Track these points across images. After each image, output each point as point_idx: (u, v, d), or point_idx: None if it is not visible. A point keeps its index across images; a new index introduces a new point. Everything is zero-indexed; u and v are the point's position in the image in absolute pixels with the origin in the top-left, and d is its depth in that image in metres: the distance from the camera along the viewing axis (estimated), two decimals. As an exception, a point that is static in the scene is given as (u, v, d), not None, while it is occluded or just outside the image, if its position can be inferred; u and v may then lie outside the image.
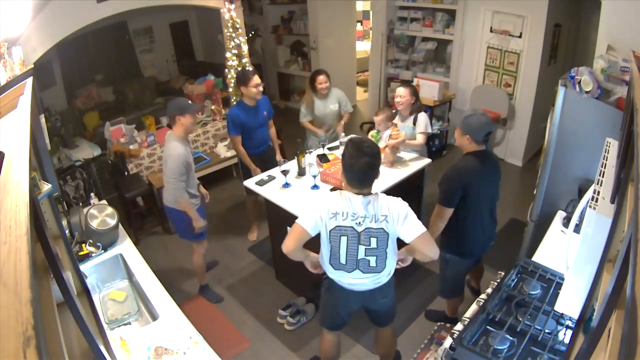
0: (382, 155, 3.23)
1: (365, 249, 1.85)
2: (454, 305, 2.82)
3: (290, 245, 1.90)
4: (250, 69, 4.25)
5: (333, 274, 2.00)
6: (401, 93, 3.37)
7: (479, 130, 2.22)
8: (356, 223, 1.81)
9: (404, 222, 1.81)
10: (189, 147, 2.86)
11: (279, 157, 3.71)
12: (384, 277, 2.02)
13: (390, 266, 1.99)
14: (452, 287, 2.72)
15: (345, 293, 2.06)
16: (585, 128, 2.58)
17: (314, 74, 3.87)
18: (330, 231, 1.84)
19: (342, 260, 1.89)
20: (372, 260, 1.88)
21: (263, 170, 3.45)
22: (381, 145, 3.19)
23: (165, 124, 5.02)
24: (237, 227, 4.15)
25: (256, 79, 3.39)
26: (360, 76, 8.22)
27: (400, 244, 1.96)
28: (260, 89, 3.44)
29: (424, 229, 1.84)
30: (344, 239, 1.83)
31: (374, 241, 1.82)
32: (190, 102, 2.91)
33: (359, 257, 1.87)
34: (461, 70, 5.35)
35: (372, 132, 3.27)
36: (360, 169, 1.78)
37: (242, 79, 3.42)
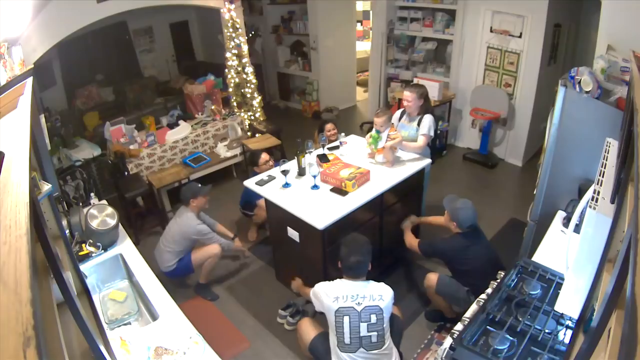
0: (381, 156, 3.23)
1: (367, 325, 2.07)
2: (444, 303, 2.82)
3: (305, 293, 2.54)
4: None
5: (342, 355, 2.12)
6: (407, 97, 3.38)
7: (464, 221, 2.62)
8: (356, 303, 2.09)
9: (392, 302, 2.17)
10: (201, 219, 3.27)
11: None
12: None
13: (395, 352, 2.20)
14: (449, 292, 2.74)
15: None
16: (585, 128, 2.58)
17: (322, 123, 4.19)
18: (335, 313, 2.09)
19: (347, 339, 2.09)
20: (374, 336, 2.09)
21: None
22: (380, 145, 3.19)
23: (165, 124, 5.03)
24: (237, 227, 4.15)
25: (264, 156, 3.76)
26: (360, 76, 8.23)
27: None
28: (271, 163, 3.73)
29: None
30: (346, 319, 2.07)
31: (373, 317, 2.08)
32: (199, 185, 3.28)
33: (361, 334, 2.08)
34: (461, 70, 5.35)
35: (372, 134, 3.25)
36: (352, 264, 2.13)
37: (252, 160, 3.84)
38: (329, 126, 4.10)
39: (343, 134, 3.70)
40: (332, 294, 2.11)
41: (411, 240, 3.00)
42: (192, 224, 3.12)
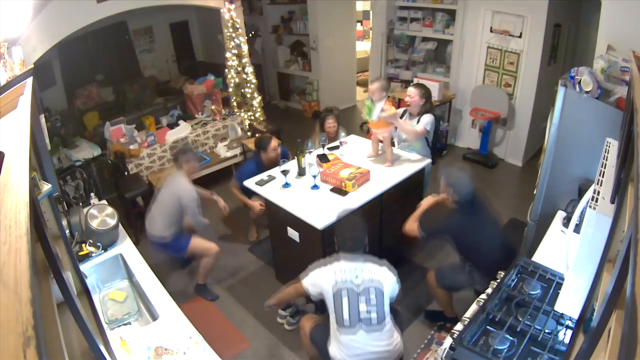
0: (381, 130, 3.17)
1: (367, 304, 2.05)
2: (447, 299, 2.81)
3: (288, 294, 2.39)
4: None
5: (342, 338, 2.09)
6: (411, 93, 3.41)
7: (461, 185, 2.48)
8: (354, 277, 2.06)
9: (396, 286, 2.16)
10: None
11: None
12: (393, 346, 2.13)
13: (398, 338, 2.17)
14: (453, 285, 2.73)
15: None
16: (585, 128, 2.58)
17: (324, 118, 4.00)
18: (333, 294, 2.06)
19: (346, 321, 2.05)
20: (374, 318, 2.05)
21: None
22: (374, 118, 3.09)
23: (166, 124, 5.03)
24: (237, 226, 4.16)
25: (274, 143, 3.67)
26: (360, 76, 8.23)
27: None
28: (279, 150, 3.65)
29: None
30: (345, 300, 2.05)
31: (372, 295, 2.05)
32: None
33: (361, 316, 2.05)
34: (461, 70, 5.35)
35: (366, 102, 3.15)
36: (348, 238, 2.14)
37: (261, 144, 3.71)
38: (329, 120, 3.92)
39: (343, 134, 3.70)
40: (330, 269, 2.09)
41: (411, 224, 2.79)
42: (185, 188, 3.03)
